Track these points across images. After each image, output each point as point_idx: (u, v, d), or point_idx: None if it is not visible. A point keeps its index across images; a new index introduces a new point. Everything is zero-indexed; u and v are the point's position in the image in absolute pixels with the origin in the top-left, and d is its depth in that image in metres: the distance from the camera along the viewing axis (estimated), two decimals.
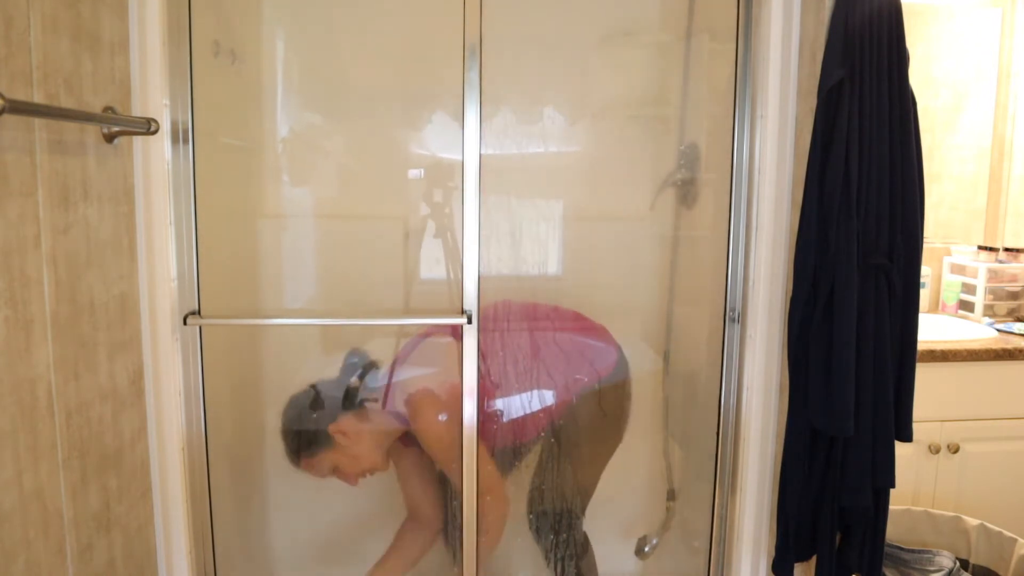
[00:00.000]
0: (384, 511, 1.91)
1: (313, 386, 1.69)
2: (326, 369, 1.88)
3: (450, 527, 1.77)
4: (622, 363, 1.76)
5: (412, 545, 1.73)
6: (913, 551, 1.73)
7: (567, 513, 1.76)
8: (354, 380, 1.70)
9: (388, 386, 1.71)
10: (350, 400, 1.68)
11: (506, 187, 1.75)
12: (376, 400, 1.69)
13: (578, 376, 1.73)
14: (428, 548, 1.76)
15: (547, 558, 1.78)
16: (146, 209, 1.36)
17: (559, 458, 1.74)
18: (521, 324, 1.72)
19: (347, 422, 1.64)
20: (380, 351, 1.78)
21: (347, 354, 1.73)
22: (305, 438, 1.65)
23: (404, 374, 1.70)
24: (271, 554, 1.90)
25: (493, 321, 1.70)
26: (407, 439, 1.71)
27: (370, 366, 1.72)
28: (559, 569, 1.78)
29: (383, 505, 1.91)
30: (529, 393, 1.72)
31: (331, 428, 1.62)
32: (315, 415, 1.65)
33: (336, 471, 1.65)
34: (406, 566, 1.73)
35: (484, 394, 1.61)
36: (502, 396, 1.70)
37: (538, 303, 1.76)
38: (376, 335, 1.83)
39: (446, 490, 1.73)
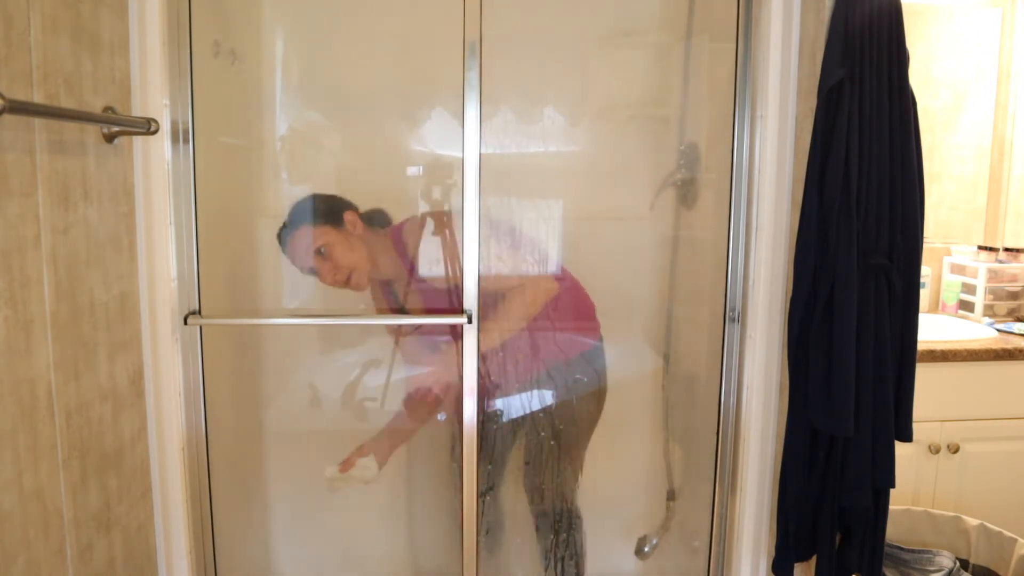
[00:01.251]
0: (384, 510, 1.91)
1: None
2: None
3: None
4: (598, 347, 1.76)
5: (412, 408, 1.74)
6: (913, 551, 1.73)
7: (559, 491, 1.76)
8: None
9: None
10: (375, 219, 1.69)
11: (506, 187, 1.75)
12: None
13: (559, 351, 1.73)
14: (430, 411, 1.76)
15: (541, 536, 1.78)
16: (146, 209, 1.36)
17: (544, 435, 1.74)
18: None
19: (361, 224, 1.64)
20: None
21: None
22: (315, 215, 1.64)
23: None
24: (271, 554, 1.90)
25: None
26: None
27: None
28: (553, 547, 1.78)
29: (383, 504, 1.91)
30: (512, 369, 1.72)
31: (347, 215, 1.62)
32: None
33: (329, 252, 1.61)
34: (410, 426, 1.73)
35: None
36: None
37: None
38: (376, 335, 1.84)
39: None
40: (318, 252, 1.60)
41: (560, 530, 1.77)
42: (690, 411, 1.89)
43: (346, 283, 1.62)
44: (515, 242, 1.74)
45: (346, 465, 1.66)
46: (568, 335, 1.75)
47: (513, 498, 1.82)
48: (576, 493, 1.78)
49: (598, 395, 1.76)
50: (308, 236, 1.62)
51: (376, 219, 1.70)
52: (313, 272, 1.62)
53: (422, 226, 1.71)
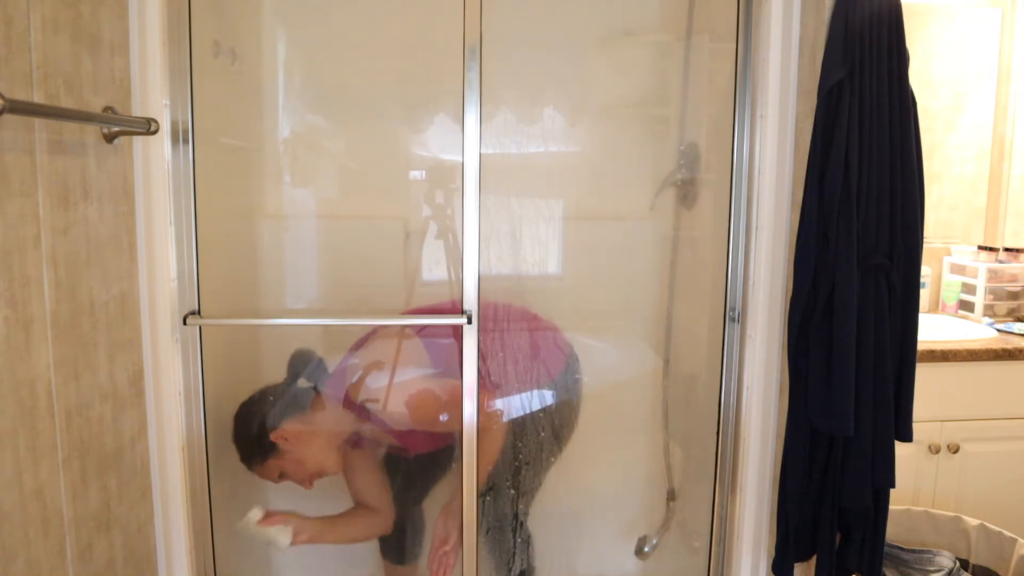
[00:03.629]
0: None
1: (263, 391, 1.66)
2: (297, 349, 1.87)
3: (407, 526, 1.78)
4: (572, 365, 1.75)
5: (360, 525, 1.72)
6: (913, 551, 1.73)
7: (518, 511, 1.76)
8: (301, 381, 1.67)
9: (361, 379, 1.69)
10: (296, 403, 1.65)
11: (506, 187, 1.75)
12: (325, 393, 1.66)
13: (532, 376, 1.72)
14: (373, 536, 1.76)
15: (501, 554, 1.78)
16: (146, 209, 1.36)
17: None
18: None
19: (289, 428, 1.61)
20: (327, 349, 1.78)
21: (291, 355, 1.70)
22: (253, 444, 1.62)
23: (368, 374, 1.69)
24: (271, 554, 1.90)
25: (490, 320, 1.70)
26: (355, 439, 1.70)
27: (316, 364, 1.69)
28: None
29: None
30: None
31: (273, 435, 1.59)
32: (263, 421, 1.62)
33: (284, 476, 1.63)
34: (344, 537, 1.72)
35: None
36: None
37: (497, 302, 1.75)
38: (375, 335, 1.83)
39: (396, 486, 1.73)
40: (281, 477, 1.62)
41: (510, 546, 1.77)
42: (690, 411, 1.88)
43: (320, 476, 1.64)
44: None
45: (268, 520, 1.61)
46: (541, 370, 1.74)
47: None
48: (528, 515, 1.77)
49: (567, 423, 1.76)
50: (263, 473, 1.63)
51: (310, 371, 1.67)
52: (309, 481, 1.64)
53: (358, 369, 1.66)
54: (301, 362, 1.69)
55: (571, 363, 1.76)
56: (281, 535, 1.59)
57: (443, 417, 1.74)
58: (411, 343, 1.66)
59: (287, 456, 1.61)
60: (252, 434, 1.61)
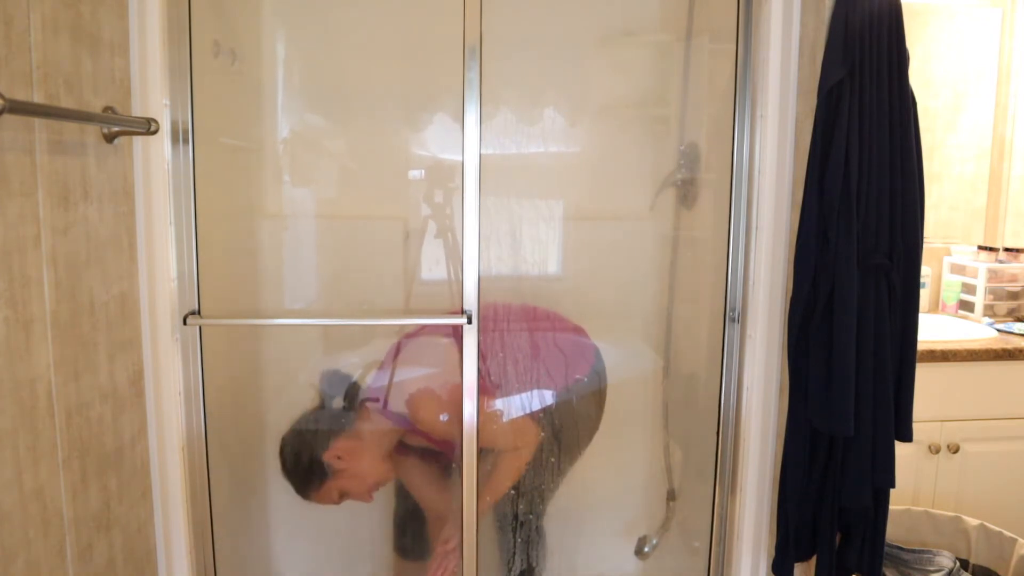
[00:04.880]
0: (384, 510, 1.91)
1: (300, 419, 1.67)
2: (325, 369, 1.88)
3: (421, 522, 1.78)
4: (599, 366, 1.76)
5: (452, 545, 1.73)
6: (913, 551, 1.73)
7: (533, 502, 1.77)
8: (336, 401, 1.68)
9: (389, 385, 1.70)
10: (341, 422, 1.67)
11: (506, 187, 1.75)
12: (376, 400, 1.68)
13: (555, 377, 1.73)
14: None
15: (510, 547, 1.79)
16: (146, 209, 1.36)
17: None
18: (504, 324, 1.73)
19: (340, 445, 1.63)
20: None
21: (321, 376, 1.72)
22: (307, 472, 1.63)
23: (400, 375, 1.70)
24: (271, 554, 1.90)
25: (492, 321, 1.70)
26: (403, 448, 1.71)
27: (353, 387, 1.71)
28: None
29: (383, 504, 1.91)
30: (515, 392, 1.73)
31: (326, 457, 1.61)
32: (311, 447, 1.63)
33: (345, 495, 1.64)
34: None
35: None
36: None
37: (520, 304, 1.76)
38: (376, 335, 1.83)
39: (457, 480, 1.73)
40: (342, 497, 1.64)
41: (523, 540, 1.77)
42: (690, 411, 1.88)
43: (377, 488, 1.67)
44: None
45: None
46: (564, 370, 1.75)
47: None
48: (545, 512, 1.78)
49: (596, 413, 1.76)
50: (321, 498, 1.65)
51: (342, 390, 1.68)
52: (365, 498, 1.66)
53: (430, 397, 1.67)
54: (333, 382, 1.71)
55: (597, 363, 1.76)
56: None
57: (443, 417, 1.74)
58: (444, 345, 1.66)
59: (344, 474, 1.62)
60: (304, 463, 1.63)
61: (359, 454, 1.64)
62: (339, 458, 1.62)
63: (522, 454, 1.67)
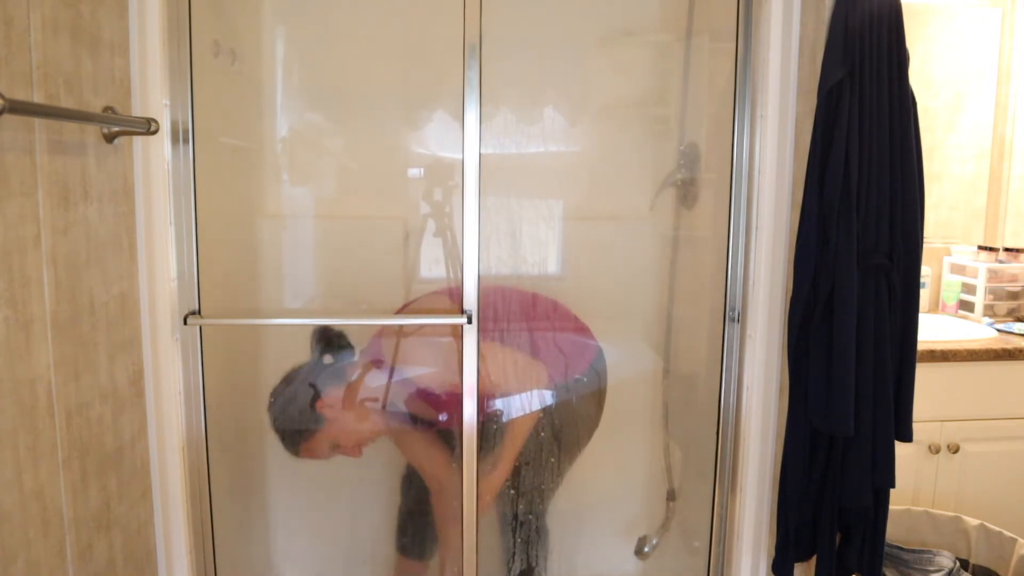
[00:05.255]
0: (384, 510, 1.91)
1: (289, 374, 1.67)
2: (326, 369, 1.88)
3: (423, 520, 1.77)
4: (599, 362, 1.76)
5: (440, 513, 1.72)
6: (913, 551, 1.73)
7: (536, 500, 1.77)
8: (327, 358, 1.68)
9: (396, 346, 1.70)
10: (333, 375, 1.67)
11: (506, 187, 1.75)
12: (380, 363, 1.67)
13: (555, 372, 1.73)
14: (448, 512, 1.75)
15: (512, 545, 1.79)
16: (146, 209, 1.36)
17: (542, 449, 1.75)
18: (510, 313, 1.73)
19: (332, 395, 1.63)
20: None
21: (314, 333, 1.72)
22: (296, 426, 1.63)
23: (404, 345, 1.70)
24: (271, 554, 1.90)
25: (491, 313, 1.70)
26: (401, 417, 1.71)
27: (341, 338, 1.70)
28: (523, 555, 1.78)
29: (384, 504, 1.91)
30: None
31: (318, 406, 1.61)
32: (301, 400, 1.64)
33: (336, 448, 1.63)
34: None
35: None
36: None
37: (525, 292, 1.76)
38: (361, 395, 1.83)
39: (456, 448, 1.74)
40: (334, 449, 1.64)
41: (526, 539, 1.77)
42: (690, 411, 1.88)
43: (376, 437, 1.67)
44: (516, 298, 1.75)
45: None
46: (566, 360, 1.75)
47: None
48: (548, 509, 1.79)
49: (595, 411, 1.76)
50: (313, 450, 1.64)
51: (336, 348, 1.68)
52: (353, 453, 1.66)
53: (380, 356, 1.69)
54: (325, 339, 1.70)
55: (598, 356, 1.76)
56: None
57: (443, 417, 1.74)
58: (444, 299, 1.67)
59: (335, 425, 1.62)
60: (293, 415, 1.62)
61: (352, 401, 1.64)
62: (330, 407, 1.62)
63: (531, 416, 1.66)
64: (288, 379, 1.67)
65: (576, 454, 1.78)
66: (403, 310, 1.72)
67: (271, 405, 1.67)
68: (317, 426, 1.63)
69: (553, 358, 1.74)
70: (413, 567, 1.86)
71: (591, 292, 1.77)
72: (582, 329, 1.76)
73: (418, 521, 1.82)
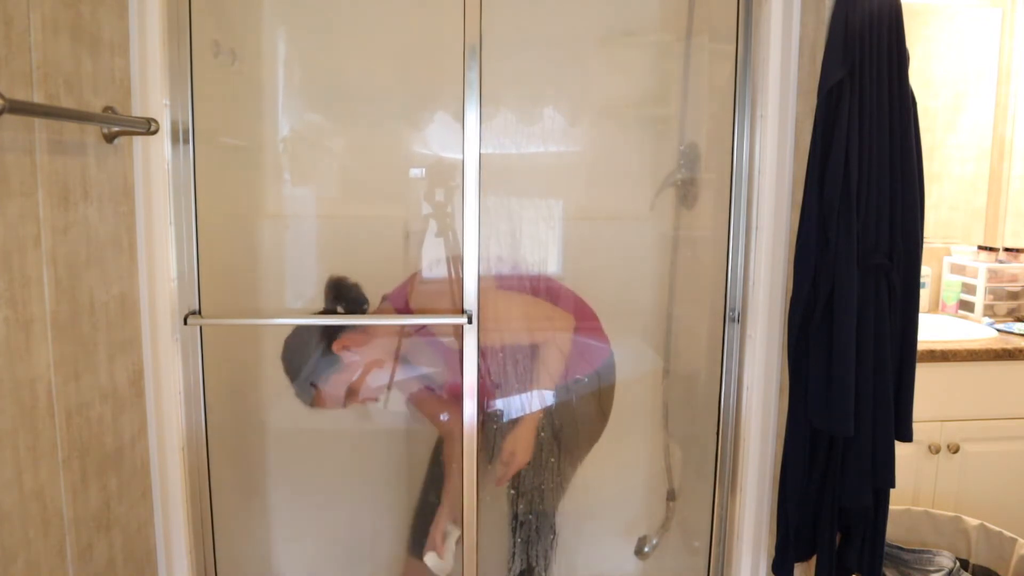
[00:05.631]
0: (384, 510, 1.91)
1: (302, 327, 1.66)
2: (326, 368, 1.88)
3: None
4: (611, 361, 1.76)
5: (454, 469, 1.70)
6: (913, 551, 1.73)
7: (545, 500, 1.76)
8: (339, 309, 1.68)
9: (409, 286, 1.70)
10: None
11: (506, 187, 1.75)
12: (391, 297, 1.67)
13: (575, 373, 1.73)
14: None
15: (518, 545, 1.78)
16: (146, 209, 1.36)
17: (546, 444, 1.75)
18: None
19: (350, 337, 1.62)
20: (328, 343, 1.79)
21: (327, 284, 1.70)
22: (314, 371, 1.62)
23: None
24: (271, 554, 1.90)
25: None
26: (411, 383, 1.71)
27: (356, 289, 1.69)
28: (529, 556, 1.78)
29: (384, 505, 1.91)
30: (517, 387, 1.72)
31: (335, 347, 1.60)
32: (316, 346, 1.62)
33: (351, 395, 1.61)
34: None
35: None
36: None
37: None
38: (375, 335, 1.83)
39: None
40: (350, 395, 1.62)
41: (536, 539, 1.77)
42: (690, 411, 1.88)
43: (391, 383, 1.66)
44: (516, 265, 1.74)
45: (442, 548, 1.64)
46: (578, 353, 1.75)
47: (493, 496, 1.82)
48: (558, 509, 1.78)
49: (601, 412, 1.76)
50: (327, 396, 1.63)
51: (351, 299, 1.67)
52: (365, 402, 1.66)
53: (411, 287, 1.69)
54: (338, 289, 1.69)
55: (610, 357, 1.77)
56: (452, 538, 1.65)
57: (443, 416, 1.74)
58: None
59: (351, 368, 1.60)
60: (310, 361, 1.61)
61: (367, 347, 1.62)
62: (347, 348, 1.60)
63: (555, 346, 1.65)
64: (301, 328, 1.66)
65: (587, 449, 1.77)
66: (404, 287, 1.71)
67: (285, 352, 1.64)
68: (331, 371, 1.60)
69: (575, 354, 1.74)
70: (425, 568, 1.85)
71: (591, 292, 1.77)
72: (597, 330, 1.76)
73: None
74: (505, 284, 1.72)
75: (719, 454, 1.64)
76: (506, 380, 1.71)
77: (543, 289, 1.76)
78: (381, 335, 1.66)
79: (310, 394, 1.64)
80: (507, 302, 1.69)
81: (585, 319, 1.74)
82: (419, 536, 1.80)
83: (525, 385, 1.69)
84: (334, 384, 1.62)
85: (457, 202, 1.71)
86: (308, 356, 1.63)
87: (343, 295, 1.68)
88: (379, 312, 1.68)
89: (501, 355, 1.71)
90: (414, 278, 1.70)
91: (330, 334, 1.62)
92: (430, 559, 1.64)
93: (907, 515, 1.85)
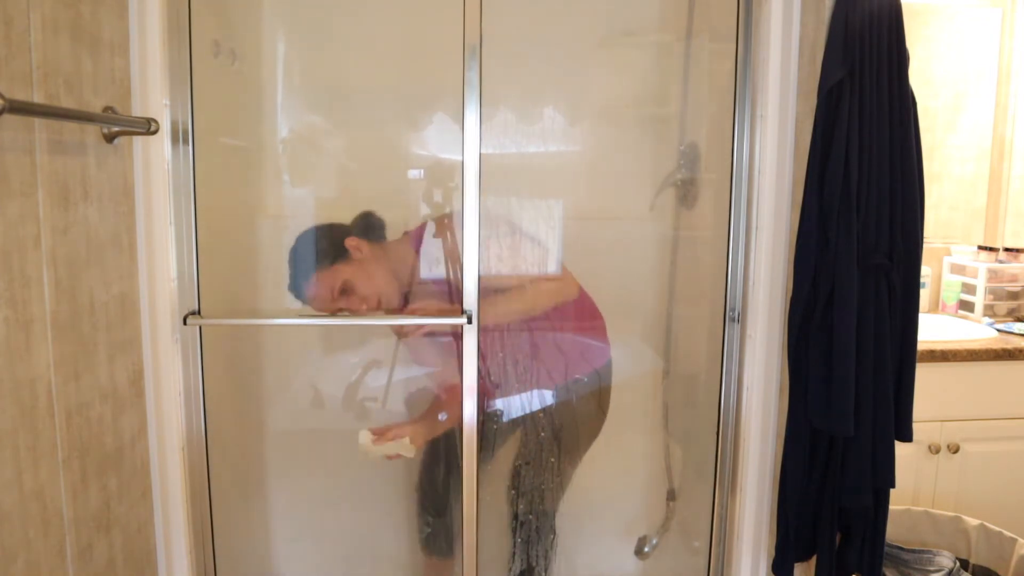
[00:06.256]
0: (383, 510, 1.91)
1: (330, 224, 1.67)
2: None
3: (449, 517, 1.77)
4: (609, 362, 1.76)
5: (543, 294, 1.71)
6: (913, 551, 1.73)
7: (545, 500, 1.76)
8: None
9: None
10: (373, 230, 1.68)
11: (506, 187, 1.75)
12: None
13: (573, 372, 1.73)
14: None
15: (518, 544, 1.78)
16: (146, 209, 1.36)
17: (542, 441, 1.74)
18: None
19: (362, 241, 1.62)
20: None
21: (358, 216, 1.72)
22: (316, 259, 1.62)
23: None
24: (271, 554, 1.90)
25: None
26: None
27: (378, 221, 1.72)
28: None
29: (384, 505, 1.91)
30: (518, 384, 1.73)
31: (348, 241, 1.60)
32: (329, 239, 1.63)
33: (347, 289, 1.60)
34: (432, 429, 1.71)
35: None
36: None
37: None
38: (375, 334, 1.84)
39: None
40: (342, 293, 1.61)
41: (536, 540, 1.77)
42: (690, 411, 1.89)
43: (379, 305, 1.63)
44: (515, 244, 1.74)
45: (382, 439, 1.63)
46: (579, 350, 1.75)
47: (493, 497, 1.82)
48: (558, 509, 1.78)
49: (600, 409, 1.76)
50: (323, 281, 1.62)
51: (370, 228, 1.69)
52: (344, 312, 1.63)
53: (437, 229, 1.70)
54: (368, 219, 1.71)
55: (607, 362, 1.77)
56: (403, 448, 1.63)
57: (442, 416, 1.74)
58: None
59: (354, 266, 1.60)
60: (317, 250, 1.63)
61: (379, 256, 1.63)
62: (359, 249, 1.61)
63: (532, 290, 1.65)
64: (327, 225, 1.67)
65: (586, 447, 1.77)
66: (422, 228, 1.71)
67: (294, 249, 1.65)
68: (339, 258, 1.60)
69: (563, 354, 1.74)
70: (438, 566, 1.85)
71: (591, 292, 1.77)
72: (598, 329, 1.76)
73: (443, 517, 1.82)
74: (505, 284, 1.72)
75: (719, 454, 1.64)
76: (505, 378, 1.72)
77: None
78: (393, 258, 1.67)
79: (305, 286, 1.63)
80: (506, 304, 1.68)
81: (592, 318, 1.74)
82: (432, 533, 1.81)
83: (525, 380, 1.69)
84: (333, 274, 1.60)
85: (456, 202, 1.71)
86: (316, 254, 1.63)
87: (371, 224, 1.69)
88: (398, 241, 1.70)
89: (501, 354, 1.71)
90: (440, 220, 1.71)
91: (343, 237, 1.62)
92: (363, 435, 1.63)
93: (907, 515, 1.85)
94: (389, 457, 1.63)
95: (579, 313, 1.74)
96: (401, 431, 1.64)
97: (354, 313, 1.62)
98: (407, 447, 1.62)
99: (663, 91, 1.88)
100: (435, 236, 1.69)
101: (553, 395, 1.73)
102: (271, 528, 1.89)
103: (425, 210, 1.76)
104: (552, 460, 1.74)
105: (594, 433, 1.77)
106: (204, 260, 1.48)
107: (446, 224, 1.70)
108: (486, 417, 1.72)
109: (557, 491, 1.77)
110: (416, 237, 1.69)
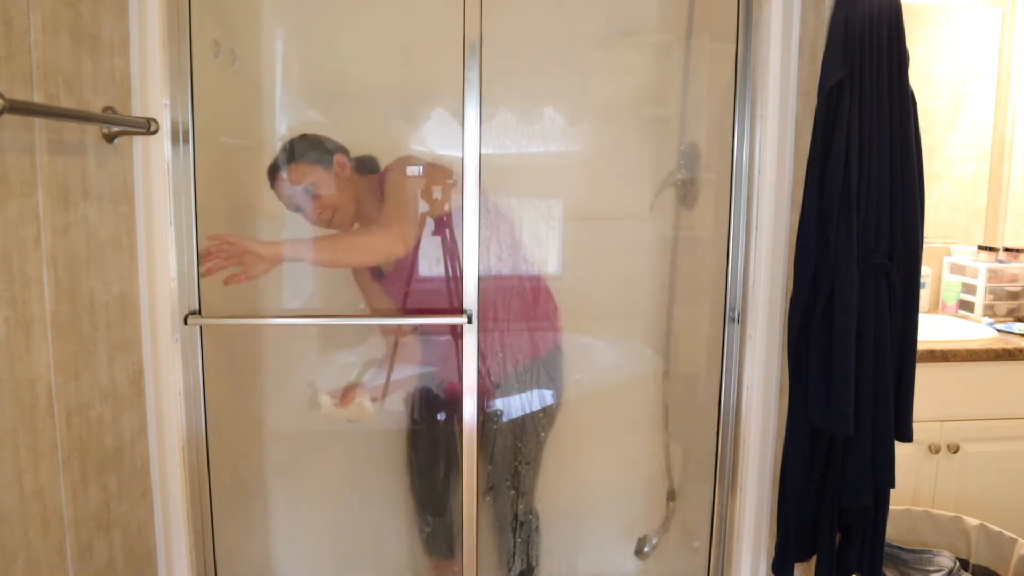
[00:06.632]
0: (383, 510, 1.91)
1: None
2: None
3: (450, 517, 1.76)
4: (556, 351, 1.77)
5: (368, 238, 1.69)
6: (913, 551, 1.73)
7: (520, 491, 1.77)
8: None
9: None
10: (365, 165, 1.70)
11: (506, 187, 1.75)
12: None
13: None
14: (382, 254, 1.68)
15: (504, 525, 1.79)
16: (146, 209, 1.36)
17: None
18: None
19: (350, 167, 1.65)
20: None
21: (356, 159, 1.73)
22: (307, 152, 1.65)
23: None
24: (271, 554, 1.90)
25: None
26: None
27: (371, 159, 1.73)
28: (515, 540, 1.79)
29: (384, 505, 1.91)
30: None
31: (337, 157, 1.63)
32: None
33: (316, 191, 1.61)
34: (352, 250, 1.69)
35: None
36: None
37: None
38: (375, 334, 1.84)
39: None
40: (306, 190, 1.62)
41: (521, 531, 1.77)
42: (690, 411, 1.88)
43: (329, 223, 1.64)
44: (514, 243, 1.74)
45: (345, 400, 1.66)
46: (527, 334, 1.75)
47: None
48: (534, 494, 1.78)
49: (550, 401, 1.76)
50: (297, 174, 1.63)
51: (366, 165, 1.71)
52: (299, 210, 1.64)
53: (408, 170, 1.71)
54: (365, 159, 1.73)
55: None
56: (364, 408, 1.66)
57: (441, 416, 1.74)
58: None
59: (330, 177, 1.63)
60: (296, 147, 1.66)
61: (355, 184, 1.66)
62: (343, 166, 1.64)
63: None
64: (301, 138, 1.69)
65: (548, 427, 1.78)
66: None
67: (270, 171, 1.66)
68: (319, 163, 1.62)
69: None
70: (442, 567, 1.85)
71: (591, 292, 1.77)
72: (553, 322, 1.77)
73: (442, 520, 1.82)
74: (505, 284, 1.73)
75: (719, 454, 1.64)
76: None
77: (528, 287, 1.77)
78: (361, 192, 1.69)
79: (283, 170, 1.65)
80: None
81: (547, 308, 1.76)
82: (433, 536, 1.81)
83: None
84: (310, 170, 1.62)
85: (456, 202, 1.71)
86: (308, 150, 1.66)
87: (367, 163, 1.71)
88: (373, 177, 1.70)
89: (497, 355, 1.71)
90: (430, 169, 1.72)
91: (337, 152, 1.65)
92: (324, 399, 1.66)
93: (907, 515, 1.85)
94: (350, 420, 1.65)
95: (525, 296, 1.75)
96: (357, 393, 1.66)
97: (305, 216, 1.64)
98: (367, 408, 1.65)
99: (663, 91, 1.88)
100: (434, 234, 1.69)
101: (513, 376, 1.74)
102: (271, 528, 1.89)
103: (423, 208, 1.76)
104: (519, 444, 1.74)
105: (552, 415, 1.77)
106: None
107: (445, 221, 1.71)
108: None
109: (530, 473, 1.77)
110: (383, 177, 1.71)
